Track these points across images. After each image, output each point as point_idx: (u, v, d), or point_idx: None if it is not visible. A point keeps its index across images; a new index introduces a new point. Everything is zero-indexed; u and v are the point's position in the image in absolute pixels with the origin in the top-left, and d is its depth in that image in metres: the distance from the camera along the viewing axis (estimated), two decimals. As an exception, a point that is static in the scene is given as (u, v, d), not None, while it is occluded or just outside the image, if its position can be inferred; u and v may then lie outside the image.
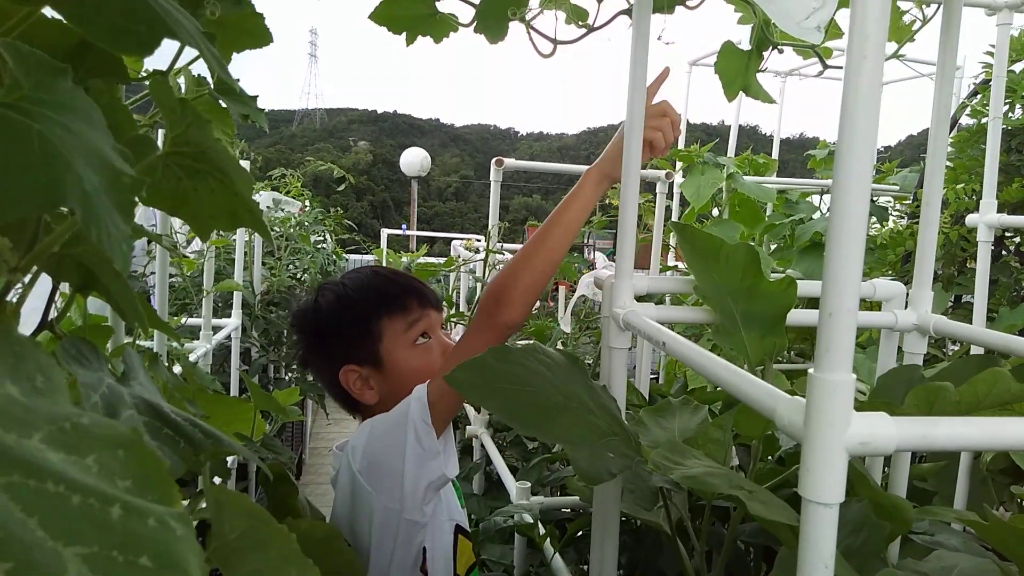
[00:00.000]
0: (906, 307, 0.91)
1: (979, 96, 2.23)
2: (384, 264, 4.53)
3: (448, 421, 1.00)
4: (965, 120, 2.24)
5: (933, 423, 0.41)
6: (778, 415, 0.44)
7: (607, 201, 2.24)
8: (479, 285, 2.01)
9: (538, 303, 2.70)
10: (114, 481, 0.22)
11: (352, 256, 6.74)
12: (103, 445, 0.23)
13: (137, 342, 1.30)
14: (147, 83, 0.74)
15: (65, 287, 0.69)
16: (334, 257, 4.93)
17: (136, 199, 0.31)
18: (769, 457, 1.06)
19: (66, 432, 0.23)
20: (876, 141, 0.40)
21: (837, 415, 0.39)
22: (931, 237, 0.86)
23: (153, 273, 1.97)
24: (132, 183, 0.30)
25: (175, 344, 1.53)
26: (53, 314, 0.66)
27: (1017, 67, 2.00)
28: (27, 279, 0.54)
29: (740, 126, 3.28)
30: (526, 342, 2.02)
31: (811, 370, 0.41)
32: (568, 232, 1.00)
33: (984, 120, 2.11)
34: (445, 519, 1.08)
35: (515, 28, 1.17)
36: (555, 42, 1.14)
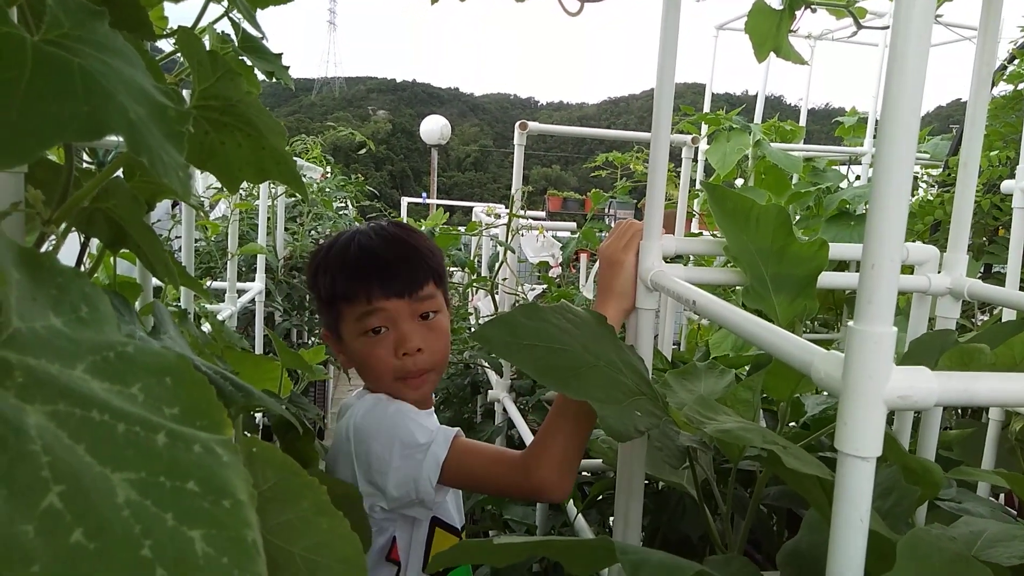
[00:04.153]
0: (939, 272, 0.89)
1: (1016, 61, 2.16)
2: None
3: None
4: (999, 88, 2.17)
5: (974, 378, 0.40)
6: (815, 369, 0.43)
7: (631, 167, 2.21)
8: (501, 250, 2.00)
9: (560, 270, 2.68)
10: (160, 409, 0.22)
11: (373, 225, 6.76)
12: (149, 373, 0.23)
13: (165, 303, 1.32)
14: (173, 41, 0.74)
15: (93, 247, 0.70)
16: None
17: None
18: (792, 424, 1.05)
19: (110, 362, 0.23)
20: (924, 84, 0.39)
21: (877, 367, 0.38)
22: (968, 199, 0.84)
23: (178, 237, 1.98)
24: (178, 115, 0.30)
25: (203, 304, 1.55)
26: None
27: (1057, 30, 1.93)
28: (59, 233, 0.54)
29: (764, 96, 3.20)
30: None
31: (850, 323, 0.40)
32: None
33: (1022, 85, 2.04)
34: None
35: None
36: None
